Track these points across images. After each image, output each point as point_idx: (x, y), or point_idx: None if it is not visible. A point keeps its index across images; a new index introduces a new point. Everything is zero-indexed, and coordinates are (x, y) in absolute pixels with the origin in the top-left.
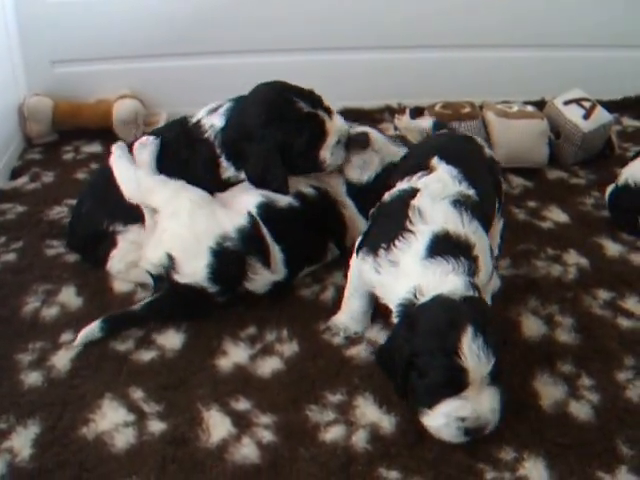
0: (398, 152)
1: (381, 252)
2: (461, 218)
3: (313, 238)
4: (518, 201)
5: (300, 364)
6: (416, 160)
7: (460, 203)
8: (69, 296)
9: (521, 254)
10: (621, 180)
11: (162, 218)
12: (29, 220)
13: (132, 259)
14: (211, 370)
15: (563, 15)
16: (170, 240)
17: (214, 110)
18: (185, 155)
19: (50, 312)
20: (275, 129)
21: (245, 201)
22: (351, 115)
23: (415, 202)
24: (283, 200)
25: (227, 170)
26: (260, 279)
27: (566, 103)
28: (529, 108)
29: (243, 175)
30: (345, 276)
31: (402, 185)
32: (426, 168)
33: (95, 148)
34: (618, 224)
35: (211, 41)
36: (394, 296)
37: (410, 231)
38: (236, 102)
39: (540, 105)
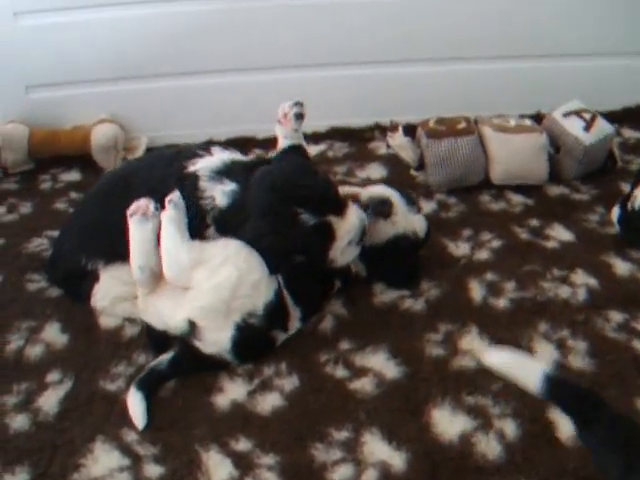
0: (414, 221)
1: None
2: None
3: (322, 280)
4: (519, 220)
5: (302, 399)
6: None
7: None
8: (54, 333)
9: (526, 276)
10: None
11: (202, 287)
12: (8, 254)
13: (116, 294)
14: (208, 408)
15: (556, 24)
16: (199, 310)
17: (217, 176)
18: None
19: (34, 351)
20: (277, 243)
21: None
22: (339, 135)
23: None
24: None
25: (213, 237)
26: (278, 343)
27: (565, 115)
28: (527, 122)
29: None
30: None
31: None
32: None
33: (74, 176)
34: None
35: (191, 60)
36: None
37: None
38: (242, 186)
39: (536, 118)
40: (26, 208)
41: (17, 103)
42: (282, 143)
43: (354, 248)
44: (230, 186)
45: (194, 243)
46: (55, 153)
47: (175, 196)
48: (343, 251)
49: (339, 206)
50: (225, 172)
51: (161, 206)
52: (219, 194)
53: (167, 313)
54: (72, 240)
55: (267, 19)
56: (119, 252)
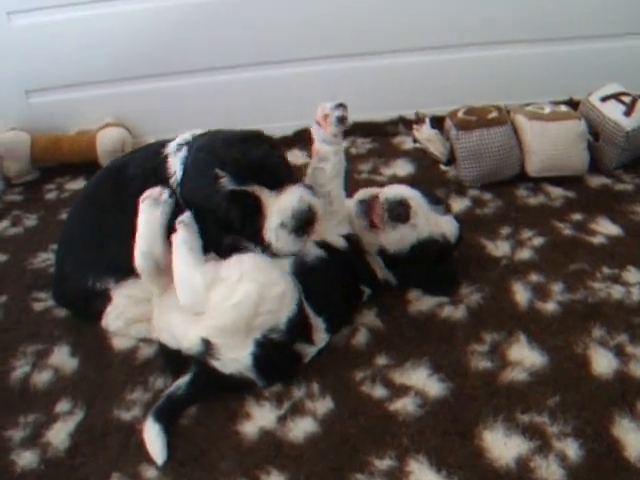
0: (441, 223)
1: None
2: None
3: (348, 288)
4: (561, 214)
5: (338, 424)
6: None
7: None
8: (62, 357)
9: (574, 276)
10: None
11: (221, 307)
12: (12, 270)
13: (132, 316)
14: (234, 438)
15: (586, 3)
16: (215, 330)
17: (180, 147)
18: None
19: (42, 377)
20: (205, 205)
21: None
22: (361, 130)
23: None
24: (310, 253)
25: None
26: (306, 358)
27: (603, 99)
28: (563, 108)
29: None
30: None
31: None
32: None
33: (80, 184)
34: None
35: (200, 57)
36: None
37: None
38: (189, 151)
39: (570, 104)
40: (31, 220)
41: (17, 109)
42: (319, 147)
43: (293, 236)
44: (183, 153)
45: (208, 265)
46: (59, 161)
47: (186, 217)
48: (278, 235)
49: (277, 181)
50: (187, 142)
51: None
52: (178, 165)
53: (179, 331)
54: (73, 258)
55: (279, 9)
56: (129, 267)
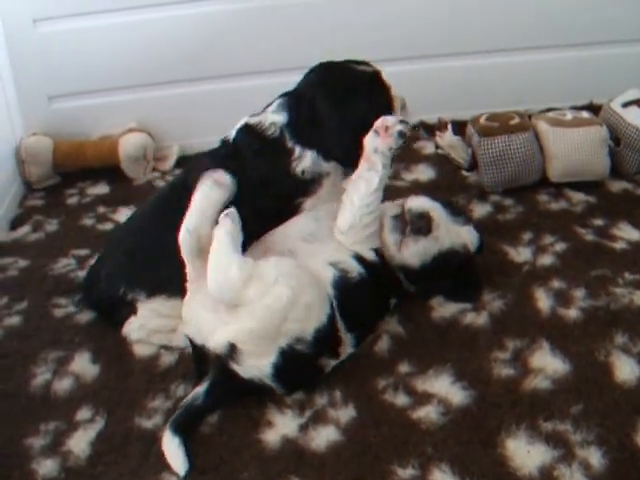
0: (462, 234)
1: None
2: None
3: (378, 300)
4: (582, 220)
5: (360, 432)
6: None
7: None
8: (83, 364)
9: (596, 281)
10: None
11: (253, 306)
12: (33, 276)
13: (153, 327)
14: (256, 446)
15: (606, 8)
16: (246, 333)
17: (258, 114)
18: (245, 165)
19: (63, 385)
20: (348, 104)
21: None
22: None
23: None
24: (353, 270)
25: (302, 161)
26: (327, 368)
27: (625, 105)
28: (584, 114)
29: (319, 165)
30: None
31: None
32: None
33: (102, 189)
34: None
35: (224, 62)
36: None
37: None
38: (288, 94)
39: (590, 109)
40: (52, 226)
41: (40, 114)
42: (371, 156)
43: (406, 115)
44: (275, 104)
45: (247, 259)
46: (81, 166)
47: (231, 210)
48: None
49: None
50: (258, 113)
51: None
52: (275, 117)
53: (207, 328)
54: (112, 264)
55: (302, 16)
56: (166, 286)
